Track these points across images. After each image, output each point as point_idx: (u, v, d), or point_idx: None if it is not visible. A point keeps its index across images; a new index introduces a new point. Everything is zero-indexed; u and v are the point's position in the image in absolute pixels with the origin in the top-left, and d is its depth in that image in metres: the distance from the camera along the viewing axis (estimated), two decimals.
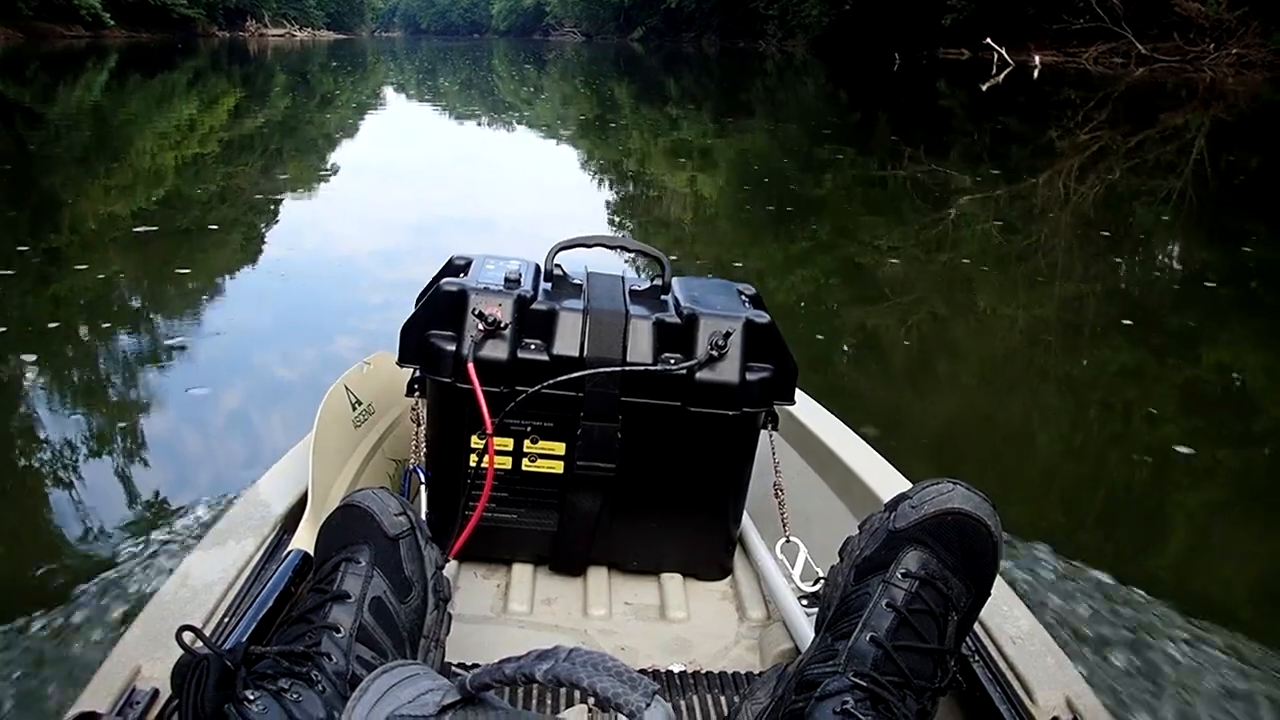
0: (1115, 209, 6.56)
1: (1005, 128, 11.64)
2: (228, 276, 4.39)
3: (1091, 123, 11.51)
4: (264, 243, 5.17)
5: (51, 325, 3.43)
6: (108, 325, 3.47)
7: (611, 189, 7.54)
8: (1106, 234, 5.66)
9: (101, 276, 4.10)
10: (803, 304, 4.14)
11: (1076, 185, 7.15)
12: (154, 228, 5.04)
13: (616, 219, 6.25)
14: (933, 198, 6.63)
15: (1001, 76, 19.52)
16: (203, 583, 1.04)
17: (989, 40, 23.28)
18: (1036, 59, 22.57)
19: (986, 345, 3.79)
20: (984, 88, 16.94)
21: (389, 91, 17.81)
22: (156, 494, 2.22)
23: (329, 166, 7.92)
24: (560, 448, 1.22)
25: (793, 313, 3.89)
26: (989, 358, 3.65)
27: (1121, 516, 2.36)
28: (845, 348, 3.61)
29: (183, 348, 3.26)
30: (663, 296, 1.29)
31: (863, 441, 1.53)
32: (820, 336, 3.60)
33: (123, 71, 18.08)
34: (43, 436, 2.55)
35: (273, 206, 6.03)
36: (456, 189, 7.13)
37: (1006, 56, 22.82)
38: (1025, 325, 3.94)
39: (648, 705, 0.55)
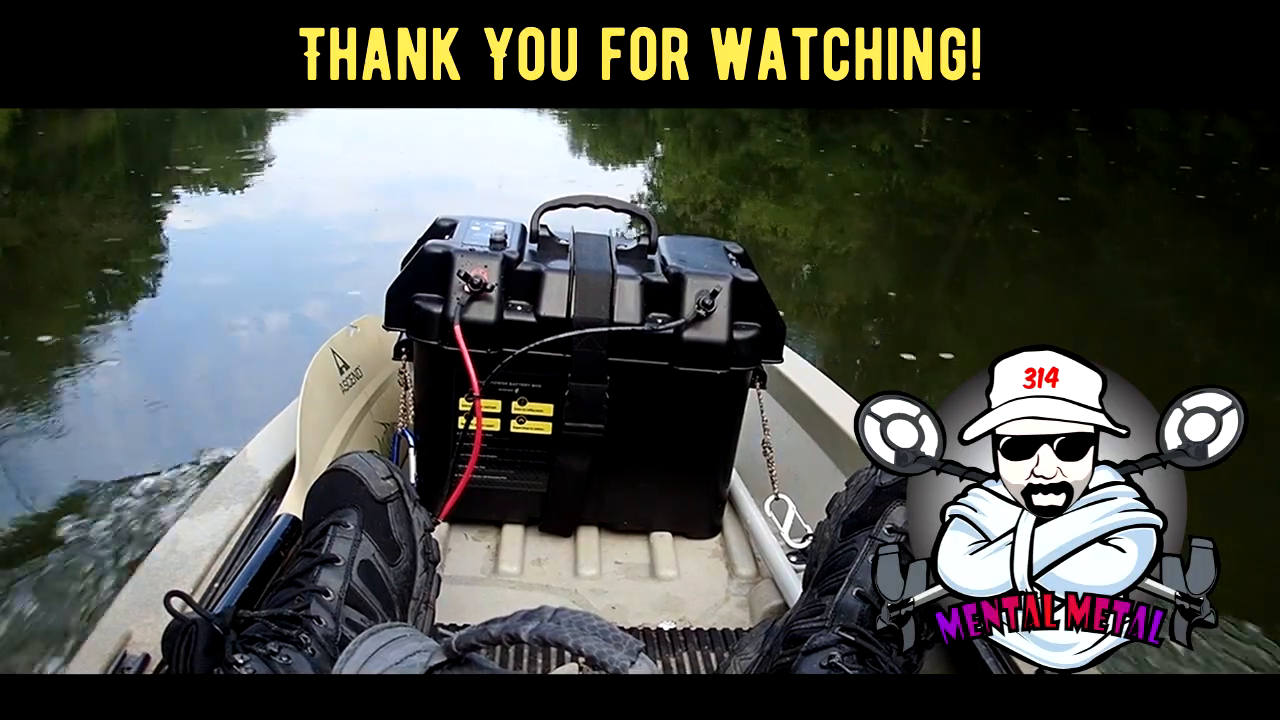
0: None
1: None
2: None
3: None
4: None
5: None
6: None
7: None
8: None
9: None
10: None
11: None
12: None
13: None
14: None
15: None
16: (192, 548, 1.04)
17: None
18: None
19: None
20: None
21: None
22: None
23: None
24: (548, 409, 1.22)
25: None
26: None
27: None
28: None
29: None
30: (649, 256, 1.28)
31: (851, 399, 1.52)
32: None
33: None
34: None
35: None
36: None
37: None
38: None
39: (633, 663, 0.55)
